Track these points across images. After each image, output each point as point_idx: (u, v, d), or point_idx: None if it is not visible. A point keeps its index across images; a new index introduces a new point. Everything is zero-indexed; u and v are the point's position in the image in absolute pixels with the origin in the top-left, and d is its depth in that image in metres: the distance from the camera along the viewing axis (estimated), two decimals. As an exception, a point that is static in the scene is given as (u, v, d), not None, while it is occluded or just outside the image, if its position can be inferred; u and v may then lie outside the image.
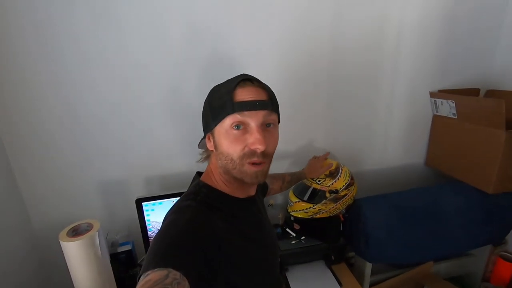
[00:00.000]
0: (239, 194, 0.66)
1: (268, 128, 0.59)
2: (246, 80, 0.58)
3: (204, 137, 0.66)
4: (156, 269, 0.44)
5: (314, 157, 1.30)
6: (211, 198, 0.62)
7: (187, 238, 0.51)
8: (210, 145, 0.63)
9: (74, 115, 1.12)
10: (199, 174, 0.70)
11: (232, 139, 0.57)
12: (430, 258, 1.34)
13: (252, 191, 0.70)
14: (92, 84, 1.10)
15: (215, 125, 0.58)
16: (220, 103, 0.57)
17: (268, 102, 0.58)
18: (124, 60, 1.10)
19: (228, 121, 0.56)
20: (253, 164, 0.58)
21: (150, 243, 0.51)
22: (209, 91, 0.65)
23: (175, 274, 0.43)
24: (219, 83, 0.64)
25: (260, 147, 0.56)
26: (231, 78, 0.62)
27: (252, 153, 0.57)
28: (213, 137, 0.61)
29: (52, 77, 1.06)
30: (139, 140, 1.21)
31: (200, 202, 0.60)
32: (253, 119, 0.56)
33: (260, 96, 0.58)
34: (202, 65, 1.17)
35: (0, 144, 1.07)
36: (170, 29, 1.11)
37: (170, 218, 0.56)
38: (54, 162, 1.15)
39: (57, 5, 0.99)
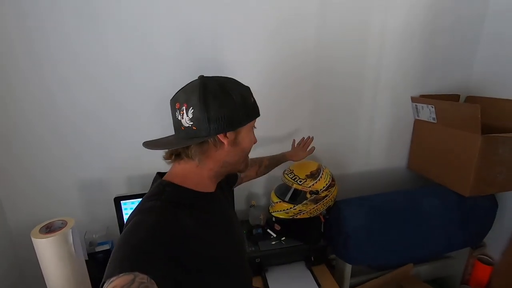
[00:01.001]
0: (210, 188, 0.66)
1: None
2: None
3: (216, 134, 0.59)
4: (121, 275, 0.42)
5: (296, 143, 1.30)
6: (176, 196, 0.60)
7: (152, 239, 0.49)
8: (227, 142, 0.60)
9: (56, 111, 1.11)
10: (160, 174, 0.68)
11: (253, 136, 0.67)
12: (409, 260, 1.36)
13: (216, 183, 0.70)
14: (77, 80, 1.10)
15: (247, 123, 0.62)
16: (251, 103, 0.63)
17: None
18: (110, 59, 1.10)
19: (253, 122, 0.65)
20: None
21: (113, 248, 0.49)
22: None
23: (141, 277, 0.42)
24: (231, 80, 0.63)
25: (256, 142, 0.69)
26: (234, 80, 0.64)
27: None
28: (237, 134, 0.62)
29: (35, 71, 1.05)
30: (121, 139, 1.21)
31: (165, 201, 0.58)
32: None
33: None
34: (188, 65, 1.18)
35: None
36: (157, 33, 1.12)
37: (134, 220, 0.54)
38: (33, 158, 1.14)
39: (43, 4, 0.99)
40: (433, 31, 1.43)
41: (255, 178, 1.10)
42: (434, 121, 1.41)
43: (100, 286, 0.43)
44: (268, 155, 1.18)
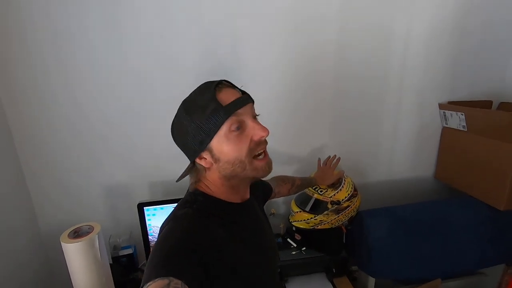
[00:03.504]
0: (237, 199, 0.66)
1: (257, 118, 0.62)
2: (217, 84, 0.58)
3: (193, 162, 0.62)
4: (157, 279, 0.44)
5: (322, 162, 1.28)
6: (207, 206, 0.61)
7: (186, 246, 0.51)
8: (206, 163, 0.60)
9: (82, 120, 1.16)
10: None
11: (237, 141, 0.56)
12: (436, 275, 1.28)
13: (247, 194, 0.69)
14: (101, 90, 1.14)
15: (211, 139, 0.56)
16: (208, 115, 0.55)
17: (247, 95, 0.60)
18: (134, 67, 1.14)
19: (226, 127, 0.55)
20: (259, 158, 0.60)
21: (150, 254, 0.52)
22: None
23: (176, 282, 0.44)
24: (185, 102, 0.60)
25: (264, 134, 0.57)
26: (196, 91, 0.60)
27: (258, 143, 0.58)
28: (211, 152, 0.58)
29: (62, 82, 1.10)
30: (145, 145, 1.24)
31: (197, 210, 0.59)
32: (246, 115, 0.57)
33: (237, 92, 0.59)
34: (211, 73, 1.19)
35: (13, 148, 1.12)
36: (180, 38, 1.14)
37: (168, 226, 0.56)
38: (62, 166, 1.19)
39: (71, 10, 1.04)
40: (463, 33, 1.36)
41: (287, 195, 1.09)
42: (464, 129, 1.33)
43: None
44: (292, 169, 1.23)
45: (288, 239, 1.28)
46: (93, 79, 1.12)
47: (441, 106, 1.44)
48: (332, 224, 1.20)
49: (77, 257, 0.89)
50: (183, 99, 0.61)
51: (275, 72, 1.25)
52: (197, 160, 0.61)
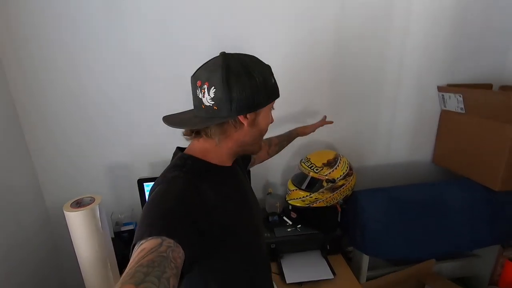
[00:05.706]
0: (228, 163, 0.68)
1: None
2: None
3: (237, 115, 0.59)
4: (149, 238, 0.45)
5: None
6: (197, 168, 0.63)
7: (177, 207, 0.52)
8: (246, 122, 0.61)
9: (83, 102, 1.19)
10: (180, 148, 0.70)
11: (269, 118, 0.66)
12: (430, 256, 1.30)
13: (232, 160, 0.71)
14: (102, 72, 1.17)
15: (267, 104, 0.62)
16: (273, 85, 0.62)
17: None
18: (134, 49, 1.16)
19: (273, 103, 0.65)
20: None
21: (142, 213, 0.53)
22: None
23: (169, 242, 0.45)
24: (253, 59, 0.61)
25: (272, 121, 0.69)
26: (256, 58, 0.62)
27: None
28: (257, 115, 0.62)
29: (63, 65, 1.13)
30: (145, 126, 1.27)
31: (187, 172, 0.60)
32: None
33: None
34: (210, 53, 1.19)
35: (20, 130, 1.16)
36: (179, 23, 1.16)
37: (159, 188, 0.57)
38: (66, 147, 1.23)
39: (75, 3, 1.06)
40: (464, 16, 1.35)
41: (268, 158, 1.06)
42: (462, 111, 1.33)
43: (131, 247, 0.47)
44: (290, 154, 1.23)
45: (284, 217, 1.31)
46: (95, 60, 1.15)
47: (440, 89, 1.44)
48: (327, 202, 1.22)
49: (79, 226, 0.93)
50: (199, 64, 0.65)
51: (275, 57, 1.24)
52: (241, 117, 0.60)
